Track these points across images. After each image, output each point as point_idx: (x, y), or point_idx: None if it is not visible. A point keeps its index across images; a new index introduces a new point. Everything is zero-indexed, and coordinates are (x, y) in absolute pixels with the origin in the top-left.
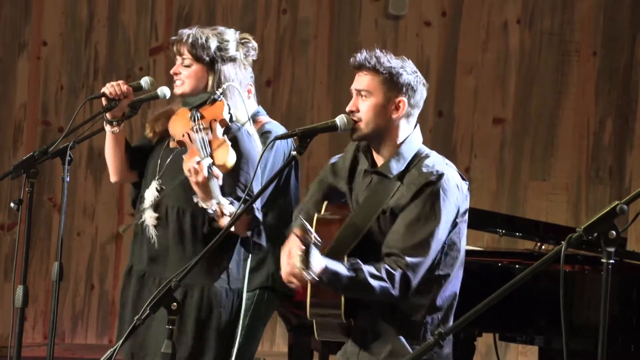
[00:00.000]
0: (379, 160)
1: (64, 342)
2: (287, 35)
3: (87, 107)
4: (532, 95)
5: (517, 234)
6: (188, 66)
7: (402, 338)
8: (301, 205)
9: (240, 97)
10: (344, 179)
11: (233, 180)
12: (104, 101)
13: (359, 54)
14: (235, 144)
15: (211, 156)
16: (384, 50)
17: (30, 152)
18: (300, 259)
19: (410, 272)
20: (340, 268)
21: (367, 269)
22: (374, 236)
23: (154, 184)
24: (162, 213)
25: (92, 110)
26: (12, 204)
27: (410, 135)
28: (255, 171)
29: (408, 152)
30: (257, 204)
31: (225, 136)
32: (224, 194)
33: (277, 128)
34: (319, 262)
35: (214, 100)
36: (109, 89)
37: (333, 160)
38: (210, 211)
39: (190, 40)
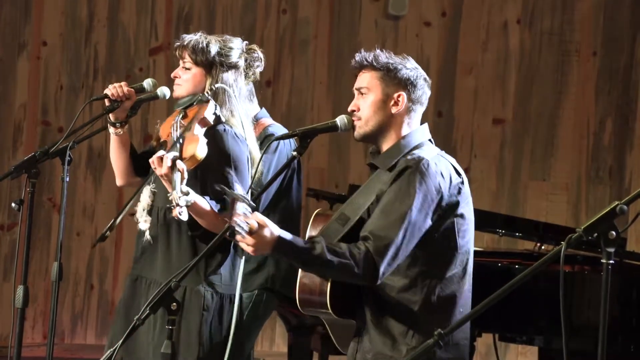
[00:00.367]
0: None
1: (63, 342)
2: (287, 35)
3: (87, 108)
4: (532, 95)
5: (517, 234)
6: (188, 69)
7: (393, 337)
8: None
9: (234, 101)
10: None
11: (212, 177)
12: (106, 102)
13: (357, 54)
14: (219, 143)
15: (181, 150)
16: (384, 50)
17: (30, 152)
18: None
19: (376, 254)
20: (297, 240)
21: (327, 244)
22: (363, 226)
23: (149, 188)
24: (154, 216)
25: (92, 111)
26: (13, 204)
27: (413, 132)
28: (231, 169)
29: (406, 146)
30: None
31: (200, 133)
32: (204, 190)
33: (280, 130)
34: (272, 230)
35: (201, 101)
36: (111, 90)
37: None
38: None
39: (191, 44)
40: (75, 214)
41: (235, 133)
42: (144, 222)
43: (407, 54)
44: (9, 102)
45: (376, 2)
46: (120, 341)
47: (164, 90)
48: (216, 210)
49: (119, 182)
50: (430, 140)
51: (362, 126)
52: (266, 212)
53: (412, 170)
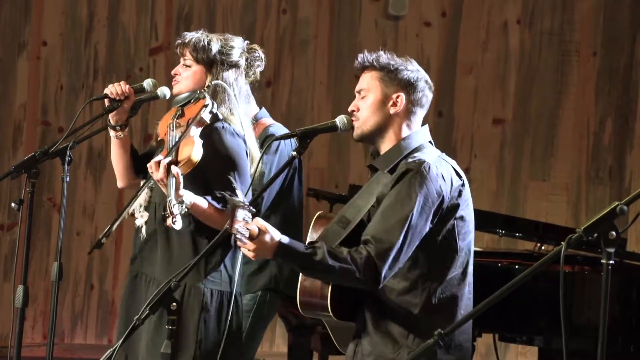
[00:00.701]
0: None
1: (63, 342)
2: (287, 35)
3: (87, 108)
4: (532, 95)
5: (517, 235)
6: (188, 66)
7: (394, 339)
8: None
9: (233, 99)
10: None
11: (213, 175)
12: (106, 102)
13: (360, 55)
14: (218, 140)
15: (177, 153)
16: (387, 51)
17: (30, 152)
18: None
19: (377, 257)
20: (297, 245)
21: (328, 249)
22: (363, 229)
23: (148, 185)
24: (151, 212)
25: (92, 111)
26: (13, 204)
27: (413, 133)
28: (231, 166)
29: (406, 147)
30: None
31: (196, 134)
32: (207, 190)
33: (281, 130)
34: (274, 235)
35: (198, 99)
36: (110, 89)
37: None
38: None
39: (192, 41)
40: (75, 214)
41: (233, 130)
42: (140, 218)
43: (407, 54)
44: (9, 102)
45: (376, 2)
46: (120, 341)
47: (164, 91)
48: (219, 208)
49: (120, 184)
50: (430, 142)
51: (360, 126)
52: (268, 212)
53: (413, 174)
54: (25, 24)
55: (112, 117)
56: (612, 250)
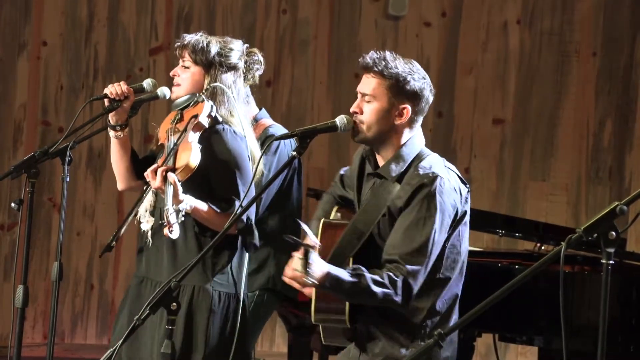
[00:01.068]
0: (381, 162)
1: (63, 342)
2: (287, 36)
3: (87, 108)
4: (532, 96)
5: (517, 235)
6: (187, 68)
7: (400, 343)
8: (313, 218)
9: (232, 101)
10: (354, 188)
11: (215, 177)
12: (106, 102)
13: (368, 55)
14: (219, 142)
15: (175, 160)
16: (392, 53)
17: (30, 152)
18: (301, 263)
19: (411, 279)
20: (343, 274)
21: (370, 275)
22: (376, 239)
23: (150, 189)
24: (156, 216)
25: (92, 111)
26: (13, 204)
27: (411, 138)
28: (234, 167)
29: (408, 154)
30: (242, 203)
31: (195, 139)
32: (210, 193)
33: (280, 131)
34: (320, 267)
35: (197, 102)
36: (110, 89)
37: (342, 171)
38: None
39: (192, 43)
40: (75, 214)
41: (234, 131)
42: (146, 223)
43: (407, 54)
44: (9, 102)
45: (376, 2)
46: (120, 341)
47: (164, 91)
48: (218, 211)
49: (120, 186)
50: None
51: (364, 131)
52: (267, 213)
53: (429, 191)
54: (25, 24)
55: (112, 117)
56: (611, 250)
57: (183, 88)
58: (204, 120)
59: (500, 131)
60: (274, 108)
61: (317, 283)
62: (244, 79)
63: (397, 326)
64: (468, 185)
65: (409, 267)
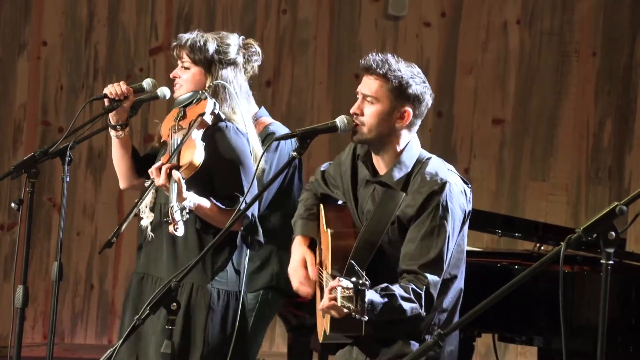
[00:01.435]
0: (380, 167)
1: (63, 342)
2: (287, 36)
3: (87, 108)
4: (532, 96)
5: (517, 235)
6: (187, 69)
7: (412, 342)
8: (296, 216)
9: (234, 97)
10: (344, 189)
11: (219, 174)
12: (106, 102)
13: (370, 57)
14: (223, 139)
15: (178, 158)
16: (394, 55)
17: (30, 152)
18: (350, 301)
19: (432, 289)
20: (374, 296)
21: (399, 292)
22: (386, 248)
23: (153, 186)
24: (156, 212)
25: (92, 111)
26: (13, 204)
27: (410, 142)
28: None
29: (409, 159)
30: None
31: (198, 136)
32: (213, 190)
33: (280, 129)
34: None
35: (199, 99)
36: (109, 89)
37: (323, 167)
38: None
39: (189, 43)
40: (75, 214)
41: (237, 128)
42: (146, 219)
43: (407, 55)
44: (9, 102)
45: (376, 2)
46: (120, 341)
47: (164, 91)
48: (222, 208)
49: (122, 185)
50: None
51: (365, 133)
52: (268, 212)
53: (441, 198)
54: (25, 24)
55: (112, 117)
56: (611, 250)
57: (185, 89)
58: (208, 118)
59: (500, 131)
60: (274, 108)
61: (365, 319)
62: (244, 72)
63: (407, 325)
64: (470, 185)
65: (429, 277)
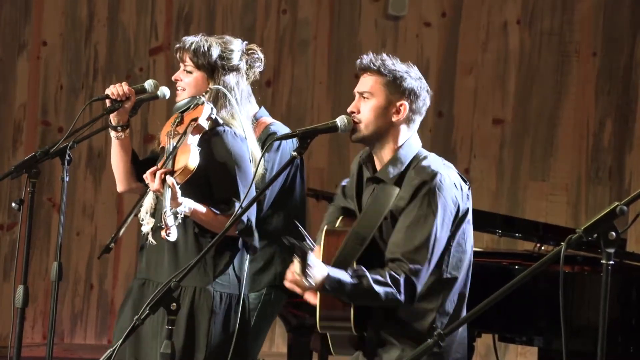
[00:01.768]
0: (379, 165)
1: (63, 342)
2: (287, 36)
3: (87, 108)
4: (532, 96)
5: (517, 235)
6: (190, 72)
7: (412, 346)
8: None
9: (234, 104)
10: (353, 197)
11: (217, 178)
12: (107, 103)
13: (364, 56)
14: (220, 143)
15: (173, 162)
16: (390, 55)
17: (30, 152)
18: (299, 266)
19: (414, 277)
20: (343, 275)
21: (372, 275)
22: (378, 243)
23: (149, 191)
24: (157, 218)
25: (92, 111)
26: (13, 204)
27: (408, 140)
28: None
29: (405, 156)
30: (242, 204)
31: (194, 141)
32: (210, 194)
33: (281, 129)
34: (320, 269)
35: (197, 105)
36: (111, 90)
37: (343, 182)
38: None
39: (192, 47)
40: (75, 214)
41: (234, 132)
42: (146, 225)
43: (407, 55)
44: (9, 102)
45: (376, 2)
46: (120, 341)
47: (164, 91)
48: (217, 213)
49: (120, 187)
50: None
51: (362, 130)
52: (270, 211)
53: (430, 188)
54: (25, 24)
55: (113, 118)
56: (611, 250)
57: (187, 93)
58: (204, 123)
59: (500, 131)
60: (274, 108)
61: (316, 285)
62: (246, 78)
63: (408, 329)
64: (468, 183)
65: (411, 265)
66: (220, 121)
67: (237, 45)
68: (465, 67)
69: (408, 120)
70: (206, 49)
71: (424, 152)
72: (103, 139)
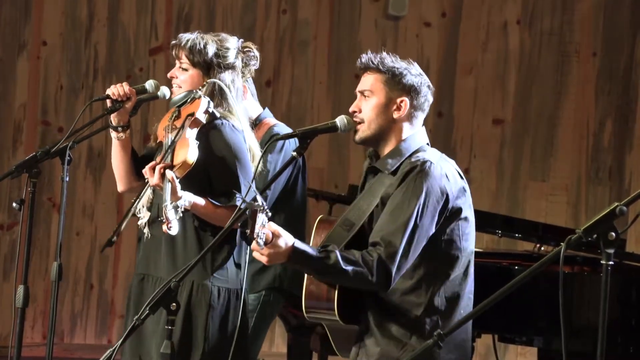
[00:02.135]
0: None
1: (63, 342)
2: (287, 36)
3: (88, 108)
4: (532, 96)
5: (517, 235)
6: (185, 70)
7: (397, 339)
8: None
9: (231, 100)
10: (359, 191)
11: (217, 171)
12: (108, 103)
13: (364, 55)
14: (219, 136)
15: (172, 157)
16: (390, 53)
17: (30, 152)
18: (249, 225)
19: (388, 260)
20: (310, 249)
21: (340, 253)
22: (367, 230)
23: (148, 186)
24: (154, 211)
25: (92, 111)
26: (14, 204)
27: (412, 135)
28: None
29: (407, 149)
30: (244, 195)
31: (192, 135)
32: (210, 188)
33: (285, 130)
34: (286, 239)
35: (194, 99)
36: (112, 90)
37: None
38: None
39: (188, 44)
40: (75, 214)
41: (232, 125)
42: (143, 218)
43: (407, 55)
44: (9, 102)
45: (376, 2)
46: (120, 341)
47: (164, 90)
48: (218, 206)
49: (120, 187)
50: (427, 143)
51: (365, 130)
52: (273, 211)
53: (416, 173)
54: (25, 24)
55: (114, 118)
56: (611, 251)
57: (183, 90)
58: (201, 117)
59: (500, 131)
60: (274, 108)
61: (281, 255)
62: (242, 76)
63: (394, 320)
64: (465, 180)
65: (387, 247)
66: (218, 114)
67: (233, 43)
68: (465, 67)
69: (410, 117)
70: (202, 46)
71: (427, 148)
72: (103, 139)
